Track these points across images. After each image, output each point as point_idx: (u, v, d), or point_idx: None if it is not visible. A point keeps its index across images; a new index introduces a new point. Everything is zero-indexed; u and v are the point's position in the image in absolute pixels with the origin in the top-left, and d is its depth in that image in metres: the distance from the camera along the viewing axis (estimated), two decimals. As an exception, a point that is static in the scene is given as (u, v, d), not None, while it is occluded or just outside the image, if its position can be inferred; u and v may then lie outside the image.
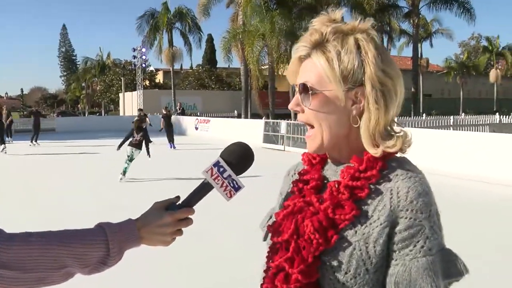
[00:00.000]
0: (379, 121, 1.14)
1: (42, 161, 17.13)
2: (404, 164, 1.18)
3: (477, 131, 20.17)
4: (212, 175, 1.21)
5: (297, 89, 1.21)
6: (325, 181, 1.23)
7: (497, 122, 23.54)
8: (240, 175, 1.25)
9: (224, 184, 1.21)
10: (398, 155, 1.20)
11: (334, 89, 1.15)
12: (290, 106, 1.22)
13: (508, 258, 5.83)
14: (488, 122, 23.29)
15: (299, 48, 1.21)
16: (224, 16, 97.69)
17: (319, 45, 1.17)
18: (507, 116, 25.69)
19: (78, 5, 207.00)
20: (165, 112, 22.88)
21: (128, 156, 11.92)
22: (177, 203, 1.28)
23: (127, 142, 12.20)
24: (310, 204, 1.18)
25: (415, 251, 1.08)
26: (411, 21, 33.22)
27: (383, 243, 1.10)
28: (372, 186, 1.15)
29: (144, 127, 12.46)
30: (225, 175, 1.21)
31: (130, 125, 12.97)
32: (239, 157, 1.25)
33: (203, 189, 1.26)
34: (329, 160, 1.28)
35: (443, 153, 11.96)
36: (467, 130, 19.53)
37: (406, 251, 1.09)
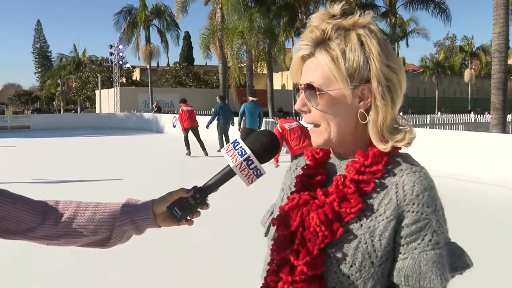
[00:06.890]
0: (387, 117, 1.15)
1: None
2: (408, 159, 1.19)
3: (453, 129, 20.48)
4: (240, 168, 1.23)
5: (301, 88, 1.20)
6: (329, 176, 1.24)
7: (472, 121, 23.93)
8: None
9: (249, 174, 1.24)
10: (402, 151, 1.21)
11: (341, 88, 1.14)
12: (296, 107, 1.21)
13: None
14: (463, 121, 23.66)
15: (301, 47, 1.19)
16: (201, 14, 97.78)
17: (322, 43, 1.15)
18: (481, 115, 26.14)
19: (53, 0, 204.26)
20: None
21: None
22: (197, 188, 1.31)
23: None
24: (315, 198, 1.18)
25: (423, 244, 1.09)
26: (388, 20, 33.37)
27: (388, 236, 1.10)
28: (377, 181, 1.15)
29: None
30: (252, 166, 1.23)
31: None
32: (267, 150, 1.26)
33: (226, 176, 1.28)
34: (332, 155, 1.28)
35: (422, 151, 12.08)
36: (443, 129, 19.78)
37: (414, 245, 1.10)
